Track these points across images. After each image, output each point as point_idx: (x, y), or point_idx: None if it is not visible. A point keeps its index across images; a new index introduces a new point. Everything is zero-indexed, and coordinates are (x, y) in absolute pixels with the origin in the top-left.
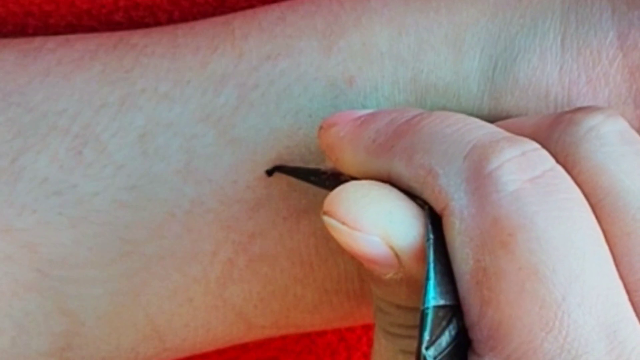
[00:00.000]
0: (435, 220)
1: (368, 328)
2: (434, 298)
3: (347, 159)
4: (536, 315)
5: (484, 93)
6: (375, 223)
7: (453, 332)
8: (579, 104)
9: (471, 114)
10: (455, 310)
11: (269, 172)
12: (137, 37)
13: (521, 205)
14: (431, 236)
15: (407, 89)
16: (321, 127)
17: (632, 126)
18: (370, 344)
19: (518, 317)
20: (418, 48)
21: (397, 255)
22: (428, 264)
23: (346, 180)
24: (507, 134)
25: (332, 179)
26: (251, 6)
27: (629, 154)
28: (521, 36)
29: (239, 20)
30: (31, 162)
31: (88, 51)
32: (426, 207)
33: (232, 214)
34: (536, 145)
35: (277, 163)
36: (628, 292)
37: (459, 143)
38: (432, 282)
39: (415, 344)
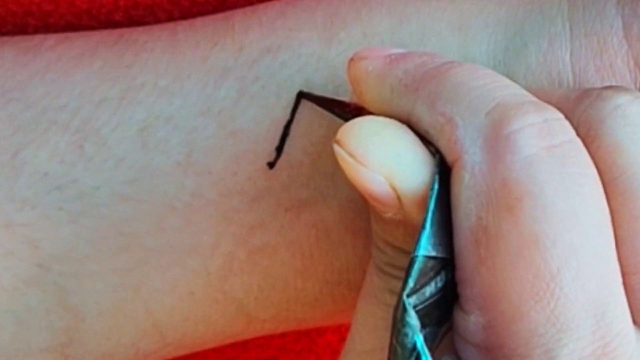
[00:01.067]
0: (442, 171)
1: None
2: (425, 248)
3: (371, 94)
4: (528, 282)
5: None
6: (382, 162)
7: (440, 285)
8: None
9: None
10: (445, 264)
11: (298, 96)
12: (137, 33)
13: (533, 172)
14: (436, 186)
15: None
16: (351, 59)
17: None
18: None
19: (510, 281)
20: (421, 35)
21: (399, 197)
22: (426, 212)
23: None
24: (533, 98)
25: (354, 113)
26: (251, 4)
27: None
28: (529, 22)
29: (239, 16)
30: (32, 157)
31: (88, 48)
32: (437, 155)
33: (233, 206)
34: (559, 115)
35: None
36: (624, 274)
37: (484, 98)
38: (426, 232)
39: None
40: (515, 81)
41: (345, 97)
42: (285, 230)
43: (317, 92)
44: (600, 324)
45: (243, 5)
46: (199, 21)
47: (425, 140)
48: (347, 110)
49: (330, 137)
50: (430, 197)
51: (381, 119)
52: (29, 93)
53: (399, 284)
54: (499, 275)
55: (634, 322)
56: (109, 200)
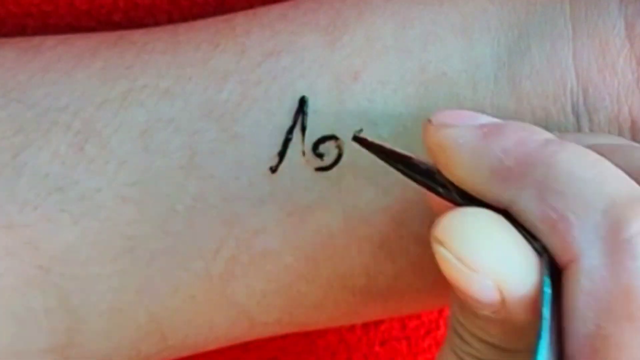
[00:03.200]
0: (552, 271)
1: (368, 329)
2: (543, 356)
3: (465, 171)
4: None
5: (500, 79)
6: (492, 266)
7: None
8: (591, 92)
9: (491, 100)
10: None
11: (355, 138)
12: (137, 35)
13: None
14: (548, 291)
15: (415, 80)
16: (431, 124)
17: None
18: (370, 344)
19: None
20: (424, 39)
21: (503, 300)
22: (542, 319)
23: (443, 185)
24: None
25: (424, 175)
26: (251, 7)
27: None
28: (532, 23)
29: (240, 18)
30: (33, 158)
31: (88, 48)
32: (545, 255)
33: (235, 210)
34: None
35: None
36: None
37: (598, 194)
38: (544, 341)
39: None
40: (521, 81)
41: (389, 143)
42: (289, 235)
43: (372, 137)
44: None
45: (242, 7)
46: (200, 23)
47: (528, 232)
48: (416, 170)
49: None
50: (544, 301)
51: (481, 211)
52: (29, 93)
53: None
54: None
55: None
56: (111, 203)
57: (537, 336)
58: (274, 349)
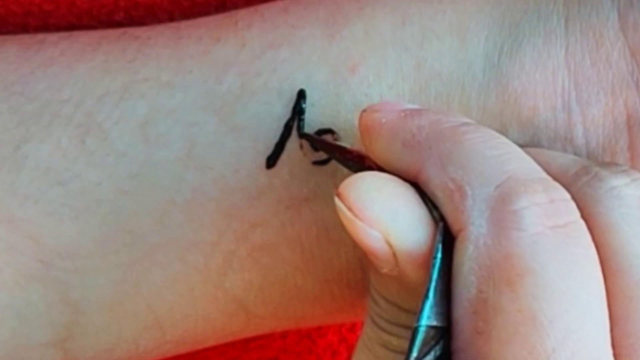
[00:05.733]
0: (445, 239)
1: None
2: (428, 317)
3: (381, 146)
4: (523, 359)
5: (489, 80)
6: (379, 218)
7: (438, 353)
8: (584, 87)
9: (477, 101)
10: (443, 332)
11: (302, 135)
12: (140, 30)
13: (537, 250)
14: (439, 255)
15: (410, 77)
16: (364, 110)
17: (635, 110)
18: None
19: (504, 356)
20: (422, 36)
21: (394, 255)
22: (429, 282)
23: (370, 167)
24: (543, 175)
25: (356, 161)
26: (252, 5)
27: None
28: (525, 21)
29: (241, 13)
30: (34, 151)
31: (90, 42)
32: (441, 223)
33: (234, 202)
34: (566, 196)
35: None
36: (616, 355)
37: (496, 169)
38: (429, 302)
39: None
40: (508, 82)
41: (346, 142)
42: (286, 228)
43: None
44: None
45: (243, 6)
46: (202, 19)
47: (431, 202)
48: (349, 157)
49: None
50: (434, 265)
51: (384, 175)
52: (31, 86)
53: (390, 338)
54: (494, 349)
55: None
56: (111, 196)
57: (424, 297)
58: (275, 349)
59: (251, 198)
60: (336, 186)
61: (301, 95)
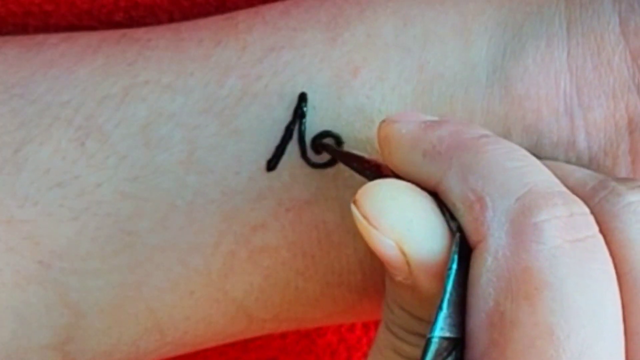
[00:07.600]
0: (461, 250)
1: (368, 328)
2: (442, 329)
3: (401, 156)
4: None
5: (493, 82)
6: (393, 227)
7: None
8: (586, 91)
9: (481, 103)
10: (457, 343)
11: (314, 144)
12: (140, 32)
13: (556, 264)
14: (454, 266)
15: (413, 79)
16: (383, 121)
17: (636, 114)
18: (370, 345)
19: None
20: (424, 39)
21: (408, 264)
22: (444, 293)
23: (387, 176)
24: (563, 189)
25: (373, 170)
26: (252, 7)
27: None
28: (528, 23)
29: (242, 15)
30: (34, 153)
31: (91, 45)
32: (458, 234)
33: (234, 205)
34: (586, 210)
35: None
36: None
37: (516, 181)
38: (443, 313)
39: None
40: (512, 84)
41: (363, 152)
42: (287, 231)
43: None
44: None
45: (244, 7)
46: (202, 21)
47: (449, 213)
48: (366, 167)
49: None
50: (448, 276)
51: (401, 183)
52: (32, 88)
53: (403, 345)
54: None
55: None
56: (111, 198)
57: (438, 309)
58: (274, 348)
59: (252, 201)
60: (337, 189)
61: (302, 98)
